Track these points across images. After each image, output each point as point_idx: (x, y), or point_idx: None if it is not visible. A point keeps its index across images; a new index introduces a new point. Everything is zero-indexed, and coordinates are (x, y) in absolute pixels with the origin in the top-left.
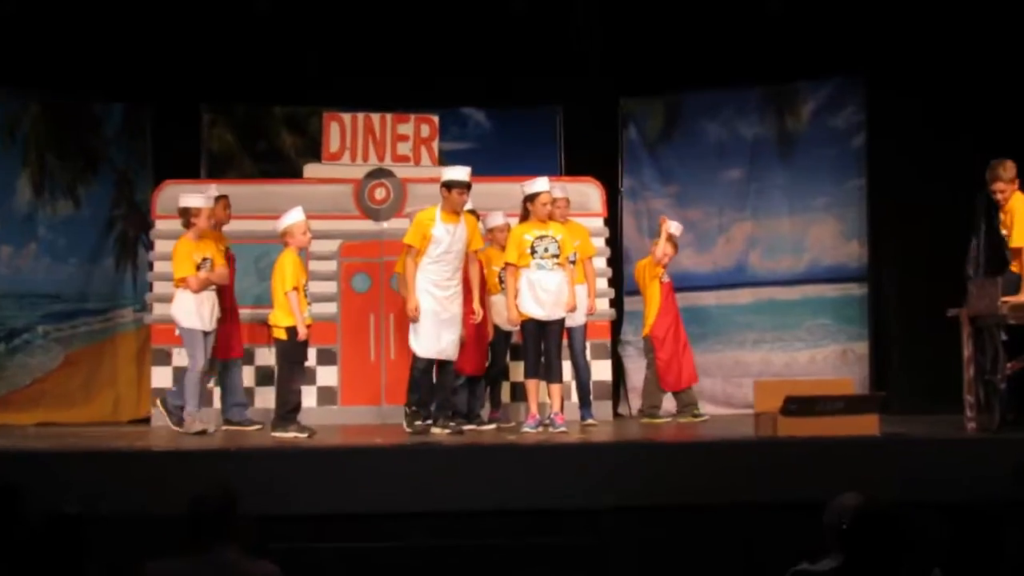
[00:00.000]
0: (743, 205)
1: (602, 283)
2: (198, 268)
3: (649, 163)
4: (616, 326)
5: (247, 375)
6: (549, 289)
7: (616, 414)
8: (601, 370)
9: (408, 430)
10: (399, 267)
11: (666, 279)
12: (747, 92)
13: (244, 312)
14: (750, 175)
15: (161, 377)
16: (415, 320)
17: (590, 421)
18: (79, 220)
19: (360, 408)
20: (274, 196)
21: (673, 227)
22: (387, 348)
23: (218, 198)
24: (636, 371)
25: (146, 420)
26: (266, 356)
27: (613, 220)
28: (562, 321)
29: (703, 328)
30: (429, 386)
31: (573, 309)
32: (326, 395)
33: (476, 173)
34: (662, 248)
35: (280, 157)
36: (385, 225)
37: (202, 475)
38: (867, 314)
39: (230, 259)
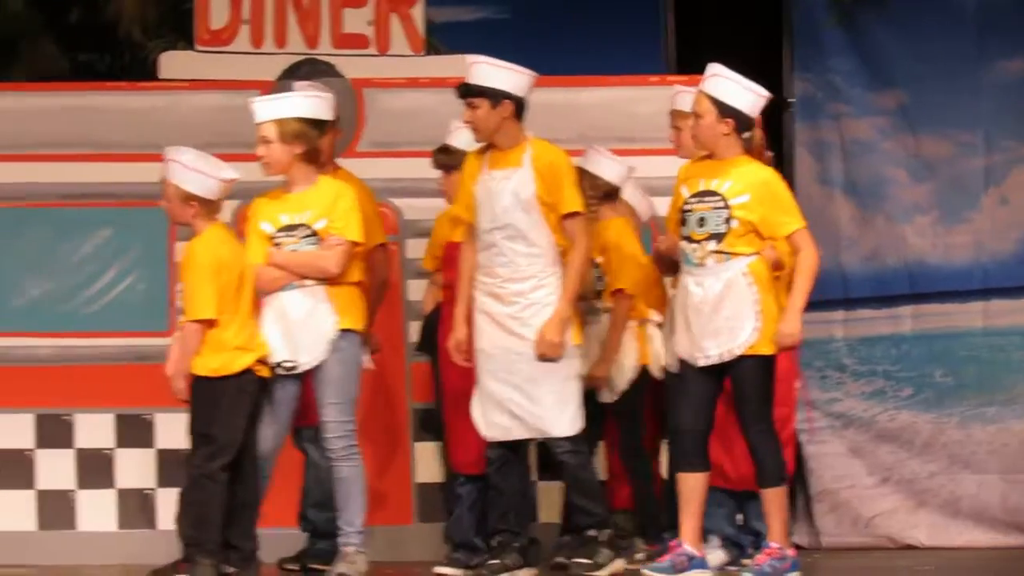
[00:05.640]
0: None
1: None
2: None
3: (842, 47)
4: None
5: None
6: (701, 308)
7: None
8: None
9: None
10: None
11: None
12: None
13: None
14: None
15: None
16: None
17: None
18: None
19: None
20: (105, 116)
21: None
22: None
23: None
24: (826, 456)
25: None
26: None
27: (779, 162)
28: (756, 366)
29: (956, 375)
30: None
31: (794, 343)
32: None
33: None
34: None
35: (113, 39)
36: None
37: None
38: None
39: None
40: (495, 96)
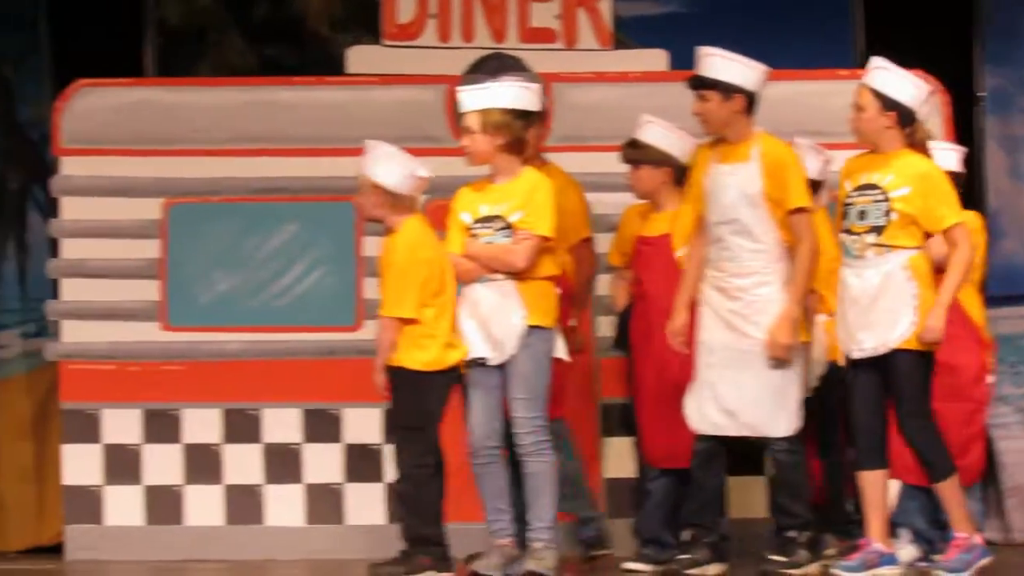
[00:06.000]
0: None
1: None
2: None
3: None
4: None
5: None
6: (858, 299)
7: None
8: None
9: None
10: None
11: None
12: None
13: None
14: None
15: (81, 464)
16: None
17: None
18: None
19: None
20: (293, 110)
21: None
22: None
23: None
24: (1018, 452)
25: (54, 549)
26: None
27: (970, 156)
28: (911, 361)
29: None
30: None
31: (936, 339)
32: None
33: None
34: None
35: (300, 33)
36: None
37: None
38: None
39: None
40: (726, 89)
